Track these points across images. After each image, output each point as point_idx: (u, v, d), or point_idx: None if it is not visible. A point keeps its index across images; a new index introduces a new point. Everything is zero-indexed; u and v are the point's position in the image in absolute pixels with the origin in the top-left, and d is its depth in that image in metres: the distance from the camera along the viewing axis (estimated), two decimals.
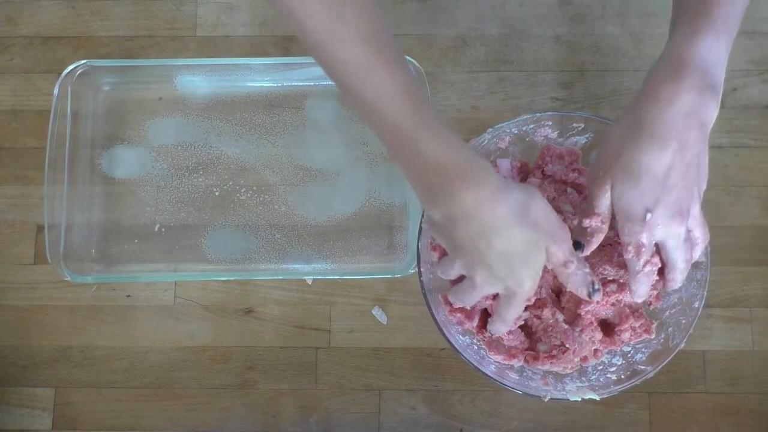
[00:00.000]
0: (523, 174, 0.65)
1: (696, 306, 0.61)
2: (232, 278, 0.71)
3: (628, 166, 0.51)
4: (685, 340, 0.60)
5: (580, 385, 0.62)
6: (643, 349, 0.63)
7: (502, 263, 0.51)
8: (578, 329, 0.60)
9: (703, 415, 0.69)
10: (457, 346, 0.61)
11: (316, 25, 0.47)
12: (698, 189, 0.54)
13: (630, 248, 0.53)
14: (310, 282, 0.72)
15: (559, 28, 0.76)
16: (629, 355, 0.64)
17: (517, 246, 0.51)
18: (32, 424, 0.70)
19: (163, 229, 0.72)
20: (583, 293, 0.54)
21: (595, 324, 0.60)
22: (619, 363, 0.64)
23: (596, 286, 0.54)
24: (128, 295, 0.72)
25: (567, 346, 0.60)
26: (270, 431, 0.70)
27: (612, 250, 0.59)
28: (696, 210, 0.54)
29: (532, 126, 0.65)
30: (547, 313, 0.60)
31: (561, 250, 0.52)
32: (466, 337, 0.65)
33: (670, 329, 0.62)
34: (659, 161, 0.50)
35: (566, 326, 0.60)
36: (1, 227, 0.74)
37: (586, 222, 0.55)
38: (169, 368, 0.71)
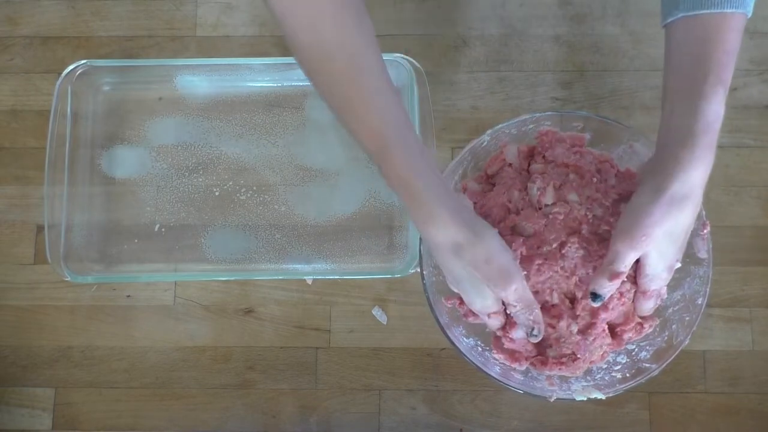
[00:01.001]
0: (529, 158, 0.65)
1: (699, 303, 0.61)
2: (232, 278, 0.71)
3: (669, 231, 0.54)
4: (689, 336, 0.60)
5: (585, 384, 0.62)
6: (647, 347, 0.63)
7: (456, 283, 0.57)
8: (590, 338, 0.59)
9: (703, 415, 0.69)
10: (461, 348, 0.61)
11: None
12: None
13: (652, 293, 0.58)
14: (310, 282, 0.72)
15: (559, 28, 0.76)
16: (633, 354, 0.64)
17: (461, 275, 0.55)
18: (32, 424, 0.71)
19: (163, 229, 0.72)
20: (519, 333, 0.58)
21: (606, 331, 0.60)
22: (624, 362, 0.64)
23: (535, 332, 0.57)
24: (128, 295, 0.72)
25: (578, 356, 0.60)
26: (270, 431, 0.70)
27: None
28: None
29: (531, 126, 0.65)
30: (562, 324, 0.59)
31: (505, 292, 0.55)
32: (470, 339, 0.65)
33: (674, 326, 0.62)
34: (686, 221, 0.54)
35: (579, 337, 0.59)
36: (1, 227, 0.74)
37: (610, 284, 0.55)
38: (169, 368, 0.71)
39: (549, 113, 0.64)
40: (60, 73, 0.71)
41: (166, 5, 0.78)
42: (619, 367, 0.63)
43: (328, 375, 0.70)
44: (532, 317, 0.56)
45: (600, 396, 0.60)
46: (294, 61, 0.74)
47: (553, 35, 0.76)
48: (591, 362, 0.61)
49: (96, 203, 0.73)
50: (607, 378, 0.63)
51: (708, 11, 0.53)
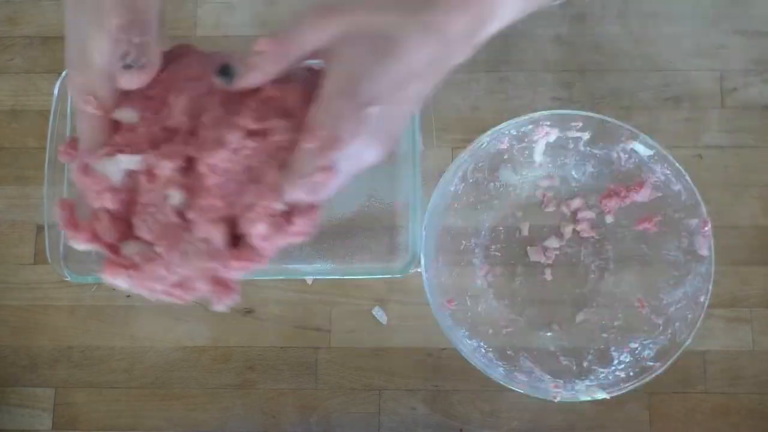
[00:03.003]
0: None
1: (702, 300, 0.61)
2: None
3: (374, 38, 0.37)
4: (692, 335, 0.60)
5: (589, 384, 0.62)
6: (650, 346, 0.63)
7: None
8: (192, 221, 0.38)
9: (703, 415, 0.69)
10: (464, 351, 0.61)
11: None
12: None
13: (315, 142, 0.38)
14: (310, 282, 0.72)
15: (559, 28, 0.76)
16: (637, 352, 0.64)
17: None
18: (32, 424, 0.71)
19: None
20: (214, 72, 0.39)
21: (217, 222, 0.38)
22: (627, 360, 0.64)
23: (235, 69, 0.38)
24: (128, 295, 0.72)
25: (161, 248, 0.39)
26: (270, 431, 0.70)
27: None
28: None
29: (530, 126, 0.65)
30: (164, 173, 0.39)
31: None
32: (473, 340, 0.66)
33: (677, 324, 0.62)
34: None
35: (176, 219, 0.39)
36: (1, 227, 0.74)
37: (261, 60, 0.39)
38: (169, 368, 0.71)
39: (549, 113, 0.64)
40: (60, 73, 0.71)
41: (166, 5, 0.77)
42: (623, 366, 0.64)
43: (328, 375, 0.70)
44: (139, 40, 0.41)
45: (605, 396, 0.61)
46: None
47: (553, 35, 0.76)
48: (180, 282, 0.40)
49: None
50: (611, 377, 0.63)
51: None
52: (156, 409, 0.71)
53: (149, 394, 0.71)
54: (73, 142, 0.42)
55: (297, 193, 0.38)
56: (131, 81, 0.41)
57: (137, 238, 0.39)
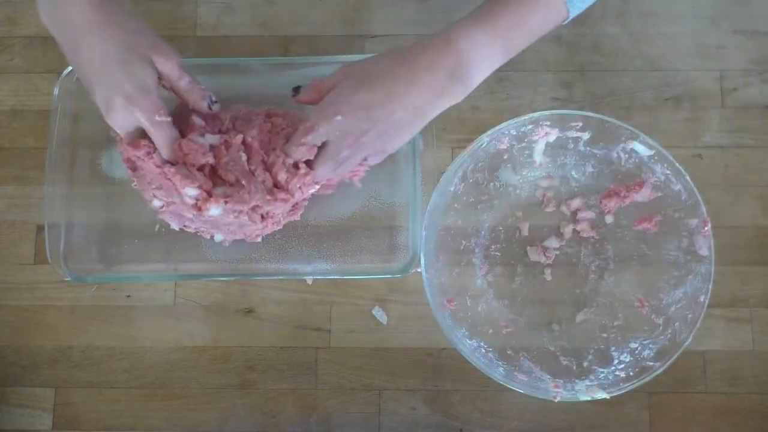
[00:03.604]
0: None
1: (701, 300, 0.61)
2: (232, 278, 0.71)
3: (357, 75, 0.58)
4: (692, 334, 0.60)
5: (589, 384, 0.62)
6: (650, 345, 0.63)
7: (89, 71, 0.58)
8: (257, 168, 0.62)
9: (703, 415, 0.69)
10: (464, 351, 0.61)
11: None
12: (375, 148, 0.59)
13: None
14: (310, 282, 0.72)
15: (559, 28, 0.75)
16: (637, 352, 0.64)
17: (113, 50, 0.57)
18: (32, 424, 0.71)
19: (163, 229, 0.72)
20: (203, 106, 0.61)
21: (264, 170, 0.62)
22: (627, 360, 0.64)
23: (214, 99, 0.61)
24: (128, 295, 0.72)
25: (243, 183, 0.61)
26: (270, 431, 0.70)
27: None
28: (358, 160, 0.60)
29: (530, 126, 0.65)
30: (236, 142, 0.62)
31: (170, 62, 0.58)
32: (473, 340, 0.66)
33: (677, 324, 0.62)
34: (369, 97, 0.56)
35: (246, 168, 0.62)
36: (1, 227, 0.74)
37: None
38: (169, 368, 0.71)
39: (549, 113, 0.64)
40: (60, 73, 0.71)
41: (166, 5, 0.78)
42: (623, 366, 0.64)
43: (328, 375, 0.70)
44: (203, 87, 0.61)
45: (604, 395, 0.61)
46: (294, 61, 0.74)
47: (553, 35, 0.75)
48: (258, 206, 0.62)
49: (96, 203, 0.72)
50: (611, 377, 0.63)
51: None
52: (156, 409, 0.71)
53: (149, 394, 0.71)
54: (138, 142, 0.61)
55: (294, 154, 0.60)
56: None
57: (223, 183, 0.62)
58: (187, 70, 0.60)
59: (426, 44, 0.56)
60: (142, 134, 0.60)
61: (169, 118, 0.59)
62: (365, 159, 0.61)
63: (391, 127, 0.57)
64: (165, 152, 0.60)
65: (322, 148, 0.59)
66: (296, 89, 0.62)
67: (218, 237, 0.68)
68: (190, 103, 0.62)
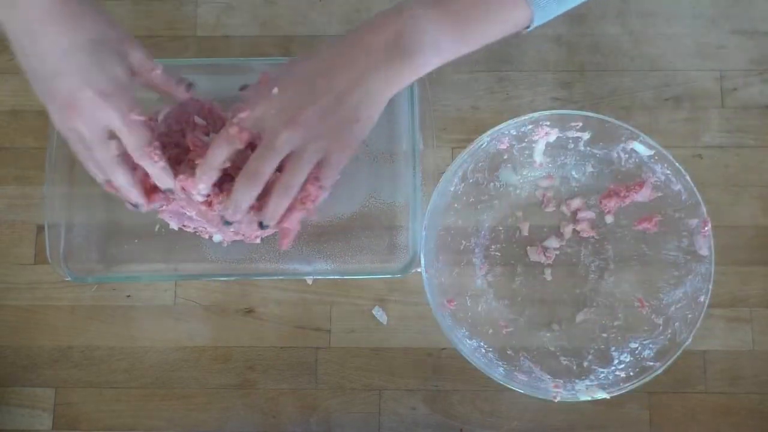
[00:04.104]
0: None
1: (701, 300, 0.61)
2: (232, 278, 0.71)
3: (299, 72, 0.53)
4: (692, 334, 0.60)
5: (589, 384, 0.62)
6: (650, 345, 0.63)
7: (48, 65, 0.50)
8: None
9: (703, 415, 0.69)
10: (464, 351, 0.61)
11: None
12: (317, 134, 0.51)
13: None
14: (310, 282, 0.72)
15: (559, 28, 0.76)
16: (637, 352, 0.64)
17: (81, 41, 0.50)
18: (32, 424, 0.71)
19: (163, 229, 0.72)
20: (183, 93, 0.58)
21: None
22: (627, 360, 0.64)
23: (189, 81, 0.58)
24: (128, 295, 0.72)
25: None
26: (270, 431, 0.70)
27: None
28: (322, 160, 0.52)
29: (530, 126, 0.65)
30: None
31: (142, 53, 0.53)
32: (473, 340, 0.66)
33: (677, 324, 0.62)
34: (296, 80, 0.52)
35: None
36: (1, 227, 0.74)
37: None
38: (169, 368, 0.71)
39: (549, 113, 0.64)
40: None
41: (166, 5, 0.78)
42: (623, 366, 0.64)
43: (328, 375, 0.70)
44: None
45: (604, 395, 0.61)
46: None
47: (553, 35, 0.76)
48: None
49: (96, 203, 0.72)
50: (611, 377, 0.63)
51: None
52: (156, 409, 0.71)
53: (149, 394, 0.71)
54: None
55: (224, 135, 0.53)
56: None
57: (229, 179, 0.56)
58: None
59: (373, 18, 0.51)
60: (108, 137, 0.53)
61: (142, 118, 0.53)
62: (317, 179, 0.54)
63: (337, 104, 0.50)
64: (137, 155, 0.53)
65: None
66: (243, 87, 0.57)
67: (217, 237, 0.68)
68: (169, 93, 0.58)
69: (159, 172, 0.55)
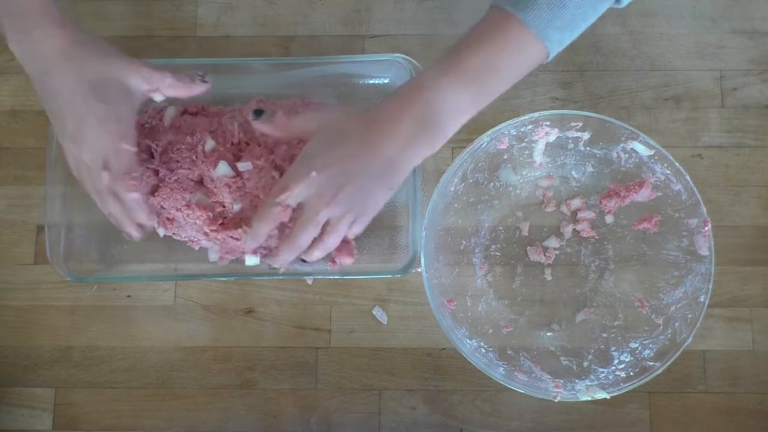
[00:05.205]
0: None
1: (702, 300, 0.61)
2: (232, 278, 0.71)
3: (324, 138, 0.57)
4: (692, 334, 0.60)
5: (589, 384, 0.63)
6: (650, 345, 0.63)
7: (61, 99, 0.57)
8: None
9: (703, 415, 0.69)
10: (464, 351, 0.61)
11: None
12: (354, 206, 0.56)
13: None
14: (310, 282, 0.72)
15: None
16: (637, 352, 0.64)
17: (87, 77, 0.57)
18: (32, 424, 0.71)
19: None
20: (196, 89, 0.61)
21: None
22: (627, 360, 0.64)
23: (200, 73, 0.61)
24: (128, 296, 0.72)
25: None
26: (270, 431, 0.70)
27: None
28: (341, 220, 0.57)
29: (530, 126, 0.65)
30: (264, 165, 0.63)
31: (145, 70, 0.58)
32: (473, 340, 0.66)
33: (677, 324, 0.62)
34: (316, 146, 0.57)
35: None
36: (1, 227, 0.74)
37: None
38: (170, 368, 0.71)
39: (549, 113, 0.64)
40: None
41: (166, 5, 0.78)
42: (623, 365, 0.64)
43: (328, 375, 0.70)
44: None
45: (604, 395, 0.61)
46: (294, 61, 0.74)
47: None
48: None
49: (96, 203, 0.72)
50: (611, 377, 0.63)
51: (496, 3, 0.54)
52: (156, 409, 0.71)
53: (149, 394, 0.71)
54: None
55: (268, 215, 0.58)
56: None
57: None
58: (162, 67, 0.60)
59: (396, 97, 0.55)
60: (103, 166, 0.58)
61: (134, 149, 0.58)
62: (348, 235, 0.59)
63: (368, 181, 0.55)
64: (116, 182, 0.58)
65: (298, 211, 0.57)
66: (257, 113, 0.60)
67: (213, 256, 0.68)
68: (185, 94, 0.61)
69: (130, 204, 0.59)
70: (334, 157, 0.55)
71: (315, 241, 0.58)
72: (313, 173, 0.55)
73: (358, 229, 0.59)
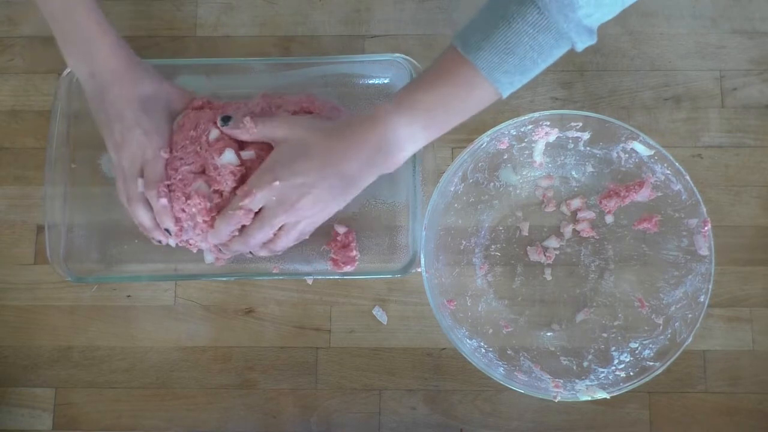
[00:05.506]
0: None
1: (701, 300, 0.61)
2: (232, 278, 0.71)
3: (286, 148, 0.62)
4: (692, 334, 0.60)
5: (589, 384, 0.63)
6: (650, 345, 0.63)
7: (113, 110, 0.64)
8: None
9: (703, 415, 0.69)
10: (464, 351, 0.62)
11: None
12: (308, 215, 0.61)
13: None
14: (310, 282, 0.72)
15: None
16: (637, 352, 0.64)
17: (141, 93, 0.64)
18: (32, 424, 0.71)
19: None
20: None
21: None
22: (627, 360, 0.64)
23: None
24: (128, 296, 0.72)
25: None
26: (270, 431, 0.70)
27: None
28: (294, 227, 0.62)
29: (530, 126, 0.65)
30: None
31: (188, 98, 0.67)
32: (473, 340, 0.66)
33: (677, 324, 0.63)
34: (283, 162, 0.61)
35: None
36: (1, 227, 0.74)
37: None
38: (169, 368, 0.71)
39: (549, 113, 0.64)
40: (60, 73, 0.71)
41: (166, 5, 0.78)
42: (623, 365, 0.64)
43: (328, 375, 0.70)
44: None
45: (604, 395, 0.61)
46: (294, 61, 0.74)
47: None
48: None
49: (96, 203, 0.72)
50: (611, 377, 0.63)
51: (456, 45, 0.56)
52: (156, 409, 0.71)
53: (149, 394, 0.71)
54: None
55: (231, 219, 0.61)
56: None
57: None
58: (204, 97, 0.67)
59: (358, 121, 0.59)
60: (139, 174, 0.63)
61: (167, 156, 0.64)
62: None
63: (327, 194, 0.60)
64: (149, 187, 0.63)
65: (258, 213, 0.61)
66: (225, 119, 0.63)
67: (209, 258, 0.69)
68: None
69: (160, 209, 0.63)
70: (299, 169, 0.59)
71: (266, 242, 0.63)
72: (277, 182, 0.59)
73: (306, 235, 0.64)
